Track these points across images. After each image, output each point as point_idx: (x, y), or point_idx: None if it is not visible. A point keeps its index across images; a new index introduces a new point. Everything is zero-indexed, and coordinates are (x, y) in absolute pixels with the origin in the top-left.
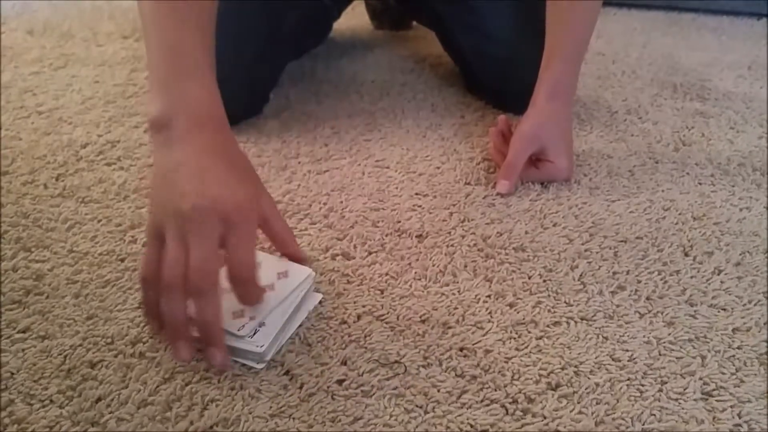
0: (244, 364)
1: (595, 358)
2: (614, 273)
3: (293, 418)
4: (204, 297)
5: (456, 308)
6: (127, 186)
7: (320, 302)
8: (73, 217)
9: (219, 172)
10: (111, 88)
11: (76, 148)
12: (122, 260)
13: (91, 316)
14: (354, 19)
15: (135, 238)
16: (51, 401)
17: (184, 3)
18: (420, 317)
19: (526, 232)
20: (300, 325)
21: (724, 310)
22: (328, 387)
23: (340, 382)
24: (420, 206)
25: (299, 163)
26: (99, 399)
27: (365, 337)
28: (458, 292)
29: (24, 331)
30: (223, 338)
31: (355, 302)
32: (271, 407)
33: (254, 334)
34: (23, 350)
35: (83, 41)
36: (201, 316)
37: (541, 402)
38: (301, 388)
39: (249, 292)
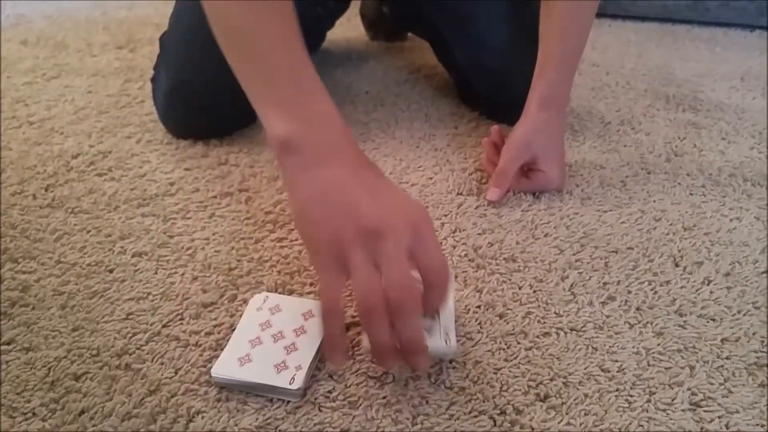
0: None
1: (584, 368)
2: (604, 283)
3: (279, 431)
4: (410, 316)
5: None
6: (118, 196)
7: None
8: (61, 228)
9: (385, 185)
10: (104, 98)
11: (67, 159)
12: (111, 271)
13: (77, 328)
14: (349, 30)
15: (124, 249)
16: (34, 414)
17: (272, 11)
18: None
19: (517, 243)
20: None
21: (714, 320)
22: (315, 399)
23: (327, 393)
24: None
25: None
26: (83, 411)
27: (354, 348)
28: None
29: (8, 343)
30: (426, 347)
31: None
32: (257, 419)
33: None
34: (7, 362)
35: (77, 52)
36: (407, 334)
37: (529, 413)
38: (287, 400)
39: (445, 295)
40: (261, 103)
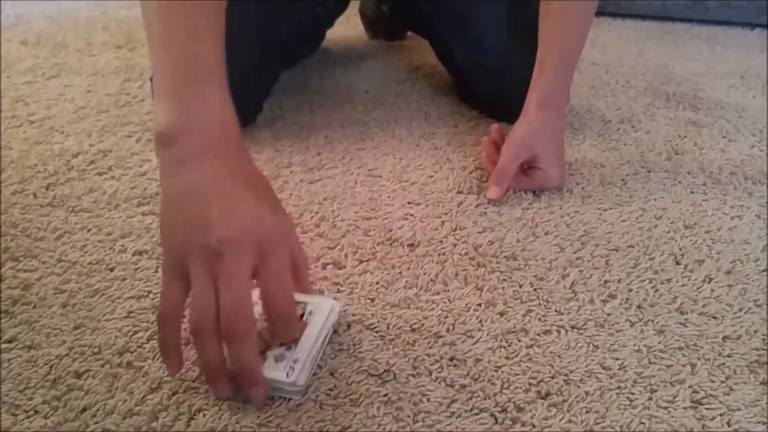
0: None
1: (585, 366)
2: (605, 281)
3: (281, 428)
4: (242, 342)
5: (446, 317)
6: (118, 195)
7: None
8: (62, 227)
9: (244, 196)
10: (104, 97)
11: (68, 158)
12: (111, 269)
13: (78, 326)
14: (349, 30)
15: (125, 248)
16: (36, 411)
17: (193, 4)
18: (410, 326)
19: (518, 241)
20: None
21: (715, 318)
22: (316, 397)
23: (328, 391)
24: (412, 215)
25: (291, 172)
26: (84, 409)
27: (355, 346)
28: (449, 300)
29: (10, 341)
30: (262, 377)
31: (345, 311)
32: (258, 417)
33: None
34: (9, 360)
35: (77, 51)
36: (240, 362)
37: (530, 411)
38: (289, 398)
39: (290, 328)
40: (155, 89)
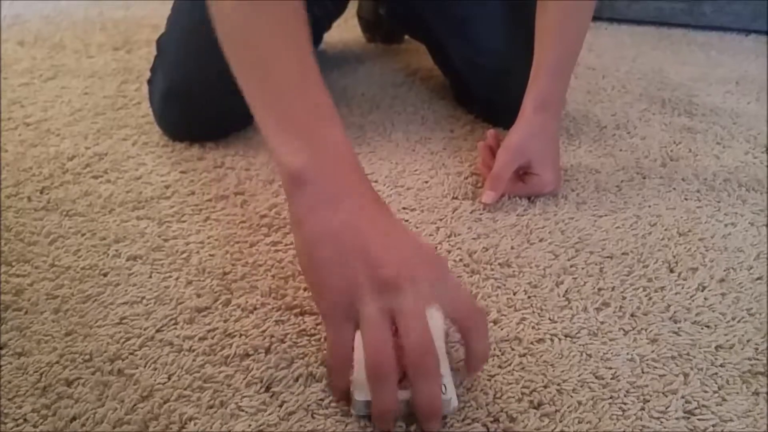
0: None
1: (578, 376)
2: (599, 289)
3: None
4: (431, 376)
5: None
6: (113, 199)
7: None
8: (56, 231)
9: (399, 230)
10: (100, 99)
11: (63, 161)
12: (105, 275)
13: (69, 332)
14: (346, 33)
15: (119, 253)
16: (25, 420)
17: (282, 17)
18: None
19: (512, 248)
20: (283, 342)
21: (708, 327)
22: (308, 405)
23: (320, 400)
24: (407, 220)
25: None
26: (74, 418)
27: None
28: None
29: (1, 348)
30: (441, 410)
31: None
32: (250, 425)
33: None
34: None
35: (74, 52)
36: (428, 396)
37: (522, 421)
38: (281, 406)
39: (485, 339)
40: (271, 127)
